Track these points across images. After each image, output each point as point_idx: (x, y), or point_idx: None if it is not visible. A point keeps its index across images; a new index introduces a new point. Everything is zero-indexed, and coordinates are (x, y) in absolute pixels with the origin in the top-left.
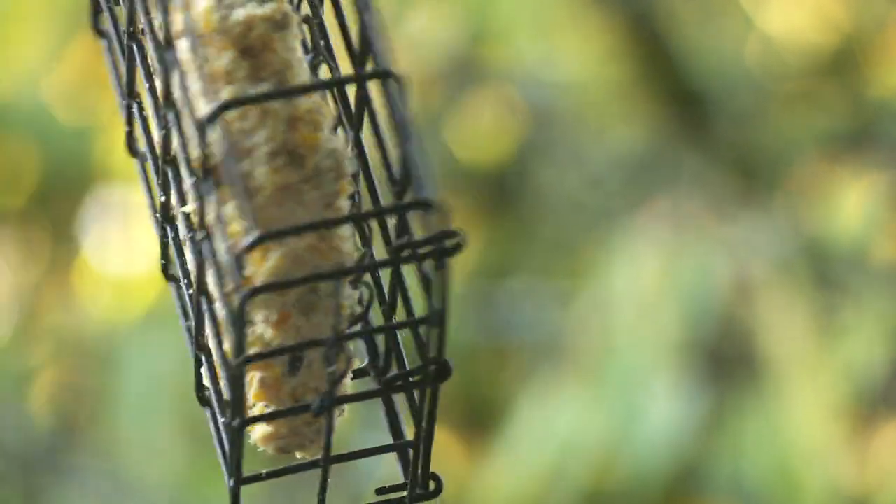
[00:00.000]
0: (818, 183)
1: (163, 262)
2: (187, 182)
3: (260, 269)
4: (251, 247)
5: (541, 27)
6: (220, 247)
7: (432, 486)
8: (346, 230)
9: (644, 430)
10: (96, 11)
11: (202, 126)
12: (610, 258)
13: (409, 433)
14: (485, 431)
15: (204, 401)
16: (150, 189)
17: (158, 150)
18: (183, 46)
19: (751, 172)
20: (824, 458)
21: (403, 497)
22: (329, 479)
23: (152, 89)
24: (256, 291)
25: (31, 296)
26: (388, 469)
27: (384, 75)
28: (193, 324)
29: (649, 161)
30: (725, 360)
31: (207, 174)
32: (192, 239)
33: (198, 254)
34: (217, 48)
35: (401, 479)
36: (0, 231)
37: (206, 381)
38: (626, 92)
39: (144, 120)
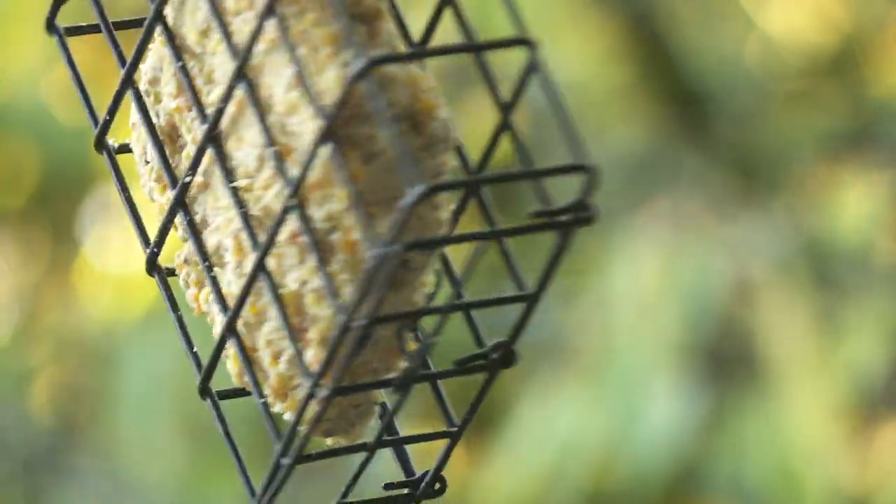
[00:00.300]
0: (818, 183)
1: (155, 250)
2: (253, 153)
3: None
4: (430, 193)
5: (541, 27)
6: (325, 211)
7: (437, 485)
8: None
9: (644, 430)
10: (58, 5)
11: (352, 81)
12: (610, 258)
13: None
14: (485, 431)
15: (206, 392)
16: (121, 181)
17: (196, 131)
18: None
19: (751, 172)
20: (825, 457)
21: (409, 493)
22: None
23: (184, 68)
24: (414, 246)
25: (31, 296)
26: (385, 467)
27: (526, 43)
28: (229, 305)
29: (649, 161)
30: (725, 361)
31: (326, 137)
32: (245, 213)
33: (276, 225)
34: (328, 13)
35: (398, 478)
36: (0, 231)
37: (235, 366)
38: (626, 92)
39: (143, 107)
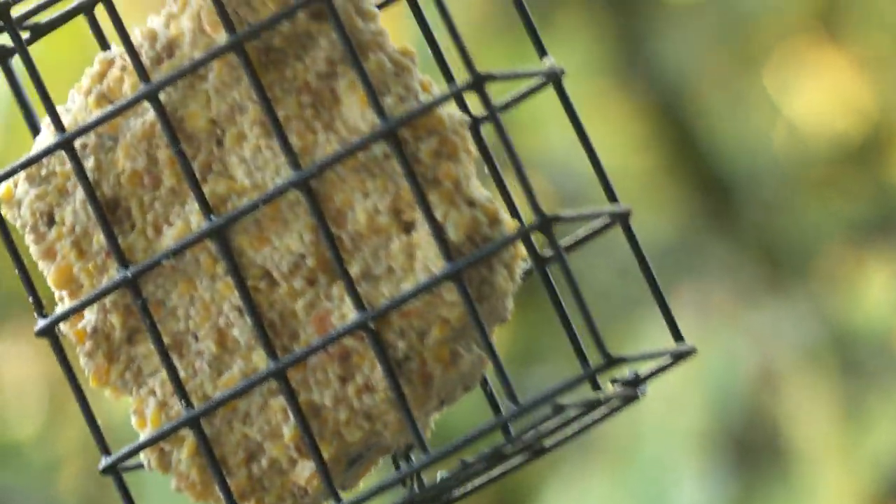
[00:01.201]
0: (844, 270)
1: (64, 317)
2: (286, 259)
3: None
4: (590, 375)
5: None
6: (408, 341)
7: None
8: None
9: None
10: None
11: (521, 233)
12: (635, 344)
13: None
14: None
15: (114, 470)
16: (6, 233)
17: (162, 213)
18: None
19: (777, 260)
20: None
21: None
22: None
23: (182, 153)
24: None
25: (58, 383)
26: None
27: (620, 216)
28: (188, 395)
29: (675, 248)
30: (752, 449)
31: (454, 274)
32: (258, 316)
33: (328, 341)
34: (448, 145)
35: None
36: (27, 318)
37: (186, 456)
38: (653, 179)
39: (83, 172)
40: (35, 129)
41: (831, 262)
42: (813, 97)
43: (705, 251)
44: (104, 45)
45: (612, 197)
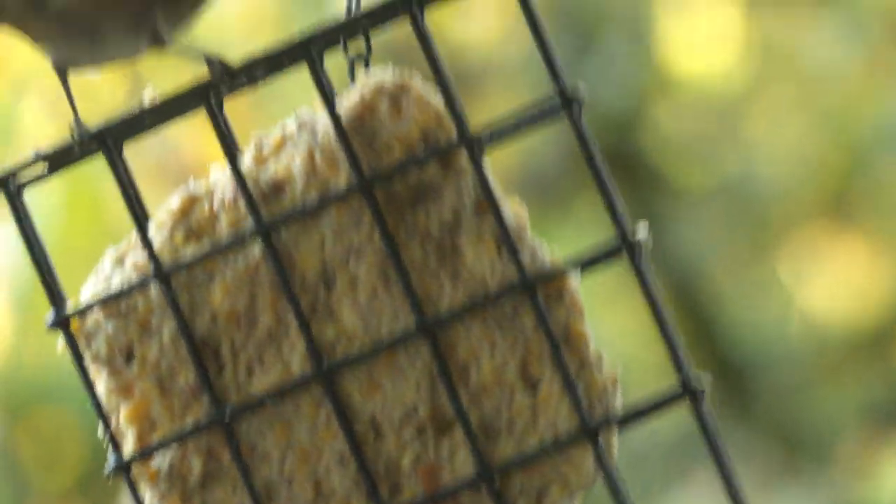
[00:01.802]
0: (861, 457)
1: (136, 456)
2: (398, 409)
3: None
4: None
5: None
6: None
7: None
8: None
9: None
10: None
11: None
12: None
13: None
14: None
15: None
16: (81, 364)
17: (256, 356)
18: None
19: (794, 445)
20: None
21: None
22: None
23: (294, 298)
24: None
25: None
26: None
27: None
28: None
29: (692, 434)
30: None
31: (591, 435)
32: (364, 464)
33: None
34: (571, 303)
35: None
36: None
37: None
38: (668, 367)
39: (178, 308)
40: (50, 274)
41: (848, 449)
42: (827, 283)
43: (722, 437)
44: (123, 186)
45: (680, 370)
